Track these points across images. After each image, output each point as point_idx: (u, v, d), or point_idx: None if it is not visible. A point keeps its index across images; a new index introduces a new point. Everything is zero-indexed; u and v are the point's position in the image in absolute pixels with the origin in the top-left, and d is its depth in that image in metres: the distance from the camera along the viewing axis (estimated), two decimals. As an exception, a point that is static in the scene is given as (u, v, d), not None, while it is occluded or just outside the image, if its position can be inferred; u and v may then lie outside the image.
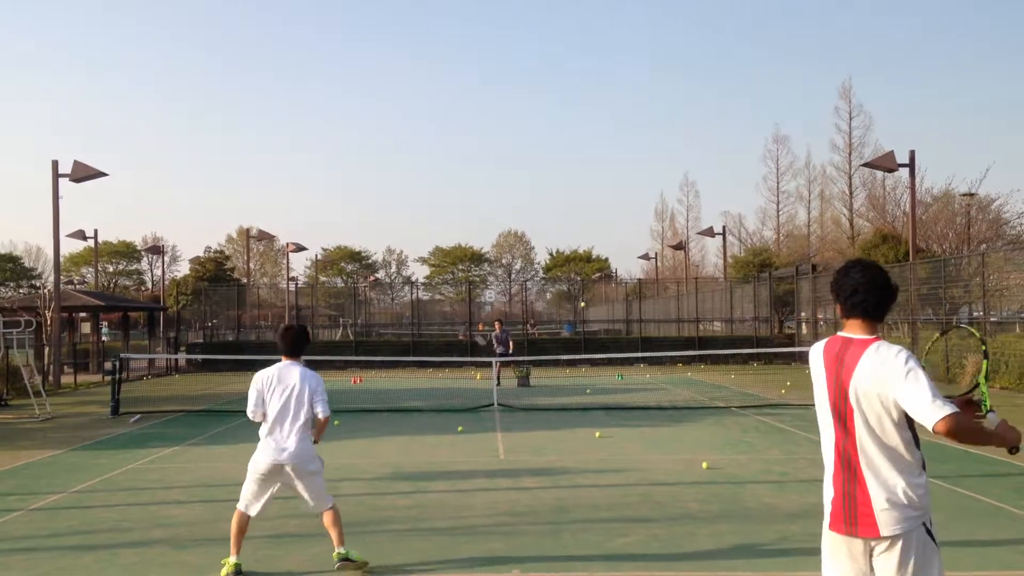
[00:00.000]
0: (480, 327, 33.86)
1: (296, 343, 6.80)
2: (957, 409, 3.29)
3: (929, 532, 3.49)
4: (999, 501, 8.73)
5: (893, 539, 3.44)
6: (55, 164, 26.25)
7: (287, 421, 6.57)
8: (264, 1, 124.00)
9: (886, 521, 3.43)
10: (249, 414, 6.67)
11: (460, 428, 14.72)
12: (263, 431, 6.63)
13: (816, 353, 3.72)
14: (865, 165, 33.38)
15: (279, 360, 6.83)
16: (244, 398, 6.90)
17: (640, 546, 7.20)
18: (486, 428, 14.91)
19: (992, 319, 23.97)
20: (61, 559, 7.01)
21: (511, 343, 26.03)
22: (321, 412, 6.64)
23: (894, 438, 3.45)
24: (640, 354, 31.00)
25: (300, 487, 6.66)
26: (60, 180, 26.34)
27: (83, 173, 26.66)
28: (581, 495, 9.29)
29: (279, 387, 6.61)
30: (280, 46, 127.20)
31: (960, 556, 6.76)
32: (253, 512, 6.71)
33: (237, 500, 6.56)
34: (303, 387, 6.63)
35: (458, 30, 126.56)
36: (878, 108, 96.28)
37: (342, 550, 6.61)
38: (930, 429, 3.32)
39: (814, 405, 3.74)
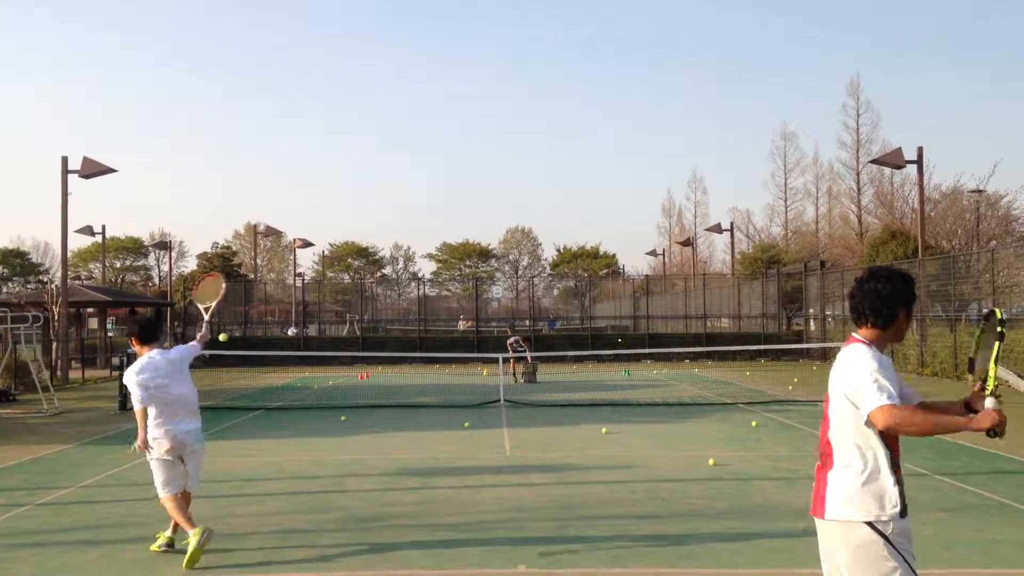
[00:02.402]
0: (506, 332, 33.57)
1: (152, 330, 7.00)
2: (896, 401, 3.36)
3: (878, 530, 3.50)
4: (1006, 498, 8.70)
5: (835, 524, 3.57)
6: (64, 160, 26.25)
7: (191, 401, 6.87)
8: (266, 2, 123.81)
9: (829, 506, 3.58)
10: (138, 405, 6.68)
11: (467, 424, 14.73)
12: (168, 414, 6.72)
13: None
14: (873, 162, 33.18)
15: (162, 349, 6.99)
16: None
17: (646, 542, 7.19)
18: (492, 424, 14.91)
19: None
20: (68, 553, 7.04)
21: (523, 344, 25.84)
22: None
23: (847, 432, 3.60)
24: (647, 350, 30.97)
25: (192, 466, 6.91)
26: (69, 176, 26.39)
27: (92, 169, 26.65)
28: (587, 491, 9.29)
29: (173, 371, 6.81)
30: (285, 42, 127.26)
31: (966, 553, 6.75)
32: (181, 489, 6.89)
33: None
34: (185, 364, 6.97)
35: (467, 27, 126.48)
36: (886, 105, 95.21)
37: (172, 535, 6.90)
38: (864, 417, 3.44)
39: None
